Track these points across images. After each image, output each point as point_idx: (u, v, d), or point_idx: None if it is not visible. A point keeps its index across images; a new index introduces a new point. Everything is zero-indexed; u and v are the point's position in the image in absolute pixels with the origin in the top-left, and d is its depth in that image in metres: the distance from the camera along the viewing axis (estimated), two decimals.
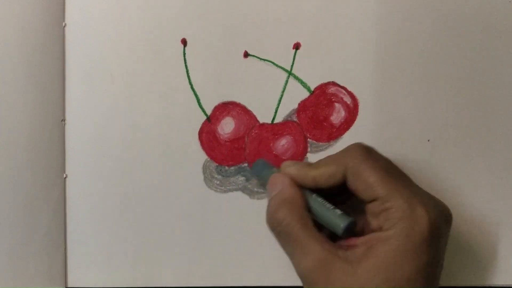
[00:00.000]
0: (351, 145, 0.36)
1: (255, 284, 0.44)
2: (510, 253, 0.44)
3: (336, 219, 0.34)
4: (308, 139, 0.44)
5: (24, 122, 0.42)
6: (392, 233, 0.31)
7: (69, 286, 0.45)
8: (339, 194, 0.36)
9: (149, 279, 0.45)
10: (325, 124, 0.44)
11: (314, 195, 0.36)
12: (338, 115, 0.44)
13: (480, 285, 0.44)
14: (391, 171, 0.34)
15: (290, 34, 0.43)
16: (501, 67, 0.43)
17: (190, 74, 0.44)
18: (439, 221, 0.32)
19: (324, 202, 0.35)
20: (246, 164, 0.44)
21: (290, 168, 0.37)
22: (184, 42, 0.44)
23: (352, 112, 0.44)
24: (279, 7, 0.43)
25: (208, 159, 0.44)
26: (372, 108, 0.44)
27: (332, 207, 0.35)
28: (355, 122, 0.44)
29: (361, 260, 0.32)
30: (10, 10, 0.42)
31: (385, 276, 0.31)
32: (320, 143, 0.44)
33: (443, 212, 0.33)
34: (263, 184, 0.38)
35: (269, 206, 0.36)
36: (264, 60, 0.44)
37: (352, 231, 0.34)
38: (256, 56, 0.44)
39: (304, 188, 0.36)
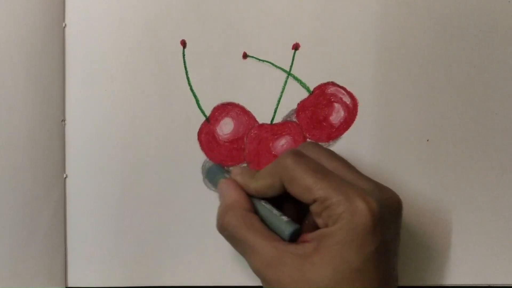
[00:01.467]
0: (281, 153, 0.36)
1: (255, 284, 0.44)
2: (510, 252, 0.44)
3: (282, 225, 0.35)
4: (308, 139, 0.44)
5: (24, 122, 0.43)
6: (336, 228, 0.32)
7: (69, 286, 0.45)
8: (289, 196, 0.36)
9: (149, 279, 0.45)
10: (324, 124, 0.44)
11: (262, 202, 0.37)
12: (337, 115, 0.44)
13: (481, 285, 0.44)
14: (325, 169, 0.34)
15: (289, 34, 0.43)
16: (501, 67, 0.43)
17: (189, 75, 0.44)
18: (381, 210, 0.32)
19: (271, 208, 0.36)
20: (245, 165, 0.44)
21: (236, 177, 0.38)
22: (183, 43, 0.44)
23: (351, 112, 0.44)
24: (278, 8, 0.43)
25: (207, 160, 0.44)
26: (371, 108, 0.44)
27: (278, 213, 0.36)
28: (355, 122, 0.44)
29: (310, 254, 0.32)
30: (10, 10, 0.42)
31: (331, 268, 0.31)
32: (320, 143, 0.44)
33: (387, 200, 0.34)
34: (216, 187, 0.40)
35: (217, 212, 0.37)
36: (263, 60, 0.44)
37: (298, 236, 0.35)
38: (255, 57, 0.44)
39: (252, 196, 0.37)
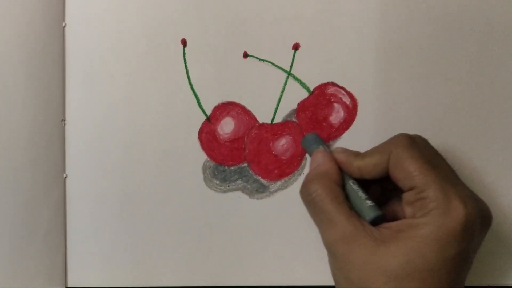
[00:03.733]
0: (396, 135, 0.36)
1: (255, 284, 0.44)
2: (510, 252, 0.44)
3: (366, 209, 0.35)
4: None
5: (24, 122, 0.42)
6: (424, 221, 0.32)
7: (69, 286, 0.45)
8: (378, 182, 0.37)
9: (149, 279, 0.45)
10: (324, 124, 0.44)
11: (351, 181, 0.37)
12: (337, 115, 0.44)
13: (481, 285, 0.44)
14: (435, 162, 0.34)
15: (289, 34, 0.44)
16: (501, 67, 0.43)
17: (190, 74, 0.44)
18: (475, 218, 0.32)
19: (358, 190, 0.36)
20: (246, 164, 0.44)
21: (339, 154, 0.38)
22: (184, 42, 0.44)
23: (351, 112, 0.44)
24: (278, 8, 0.44)
25: (208, 159, 0.44)
26: (371, 108, 0.44)
27: (364, 196, 0.36)
28: (354, 122, 0.44)
29: (386, 240, 0.32)
30: (10, 10, 0.42)
31: (405, 260, 0.31)
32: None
33: (482, 211, 0.33)
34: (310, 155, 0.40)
35: (305, 177, 0.37)
36: (264, 60, 0.44)
37: (379, 224, 0.34)
38: (255, 57, 0.44)
39: (344, 173, 0.37)
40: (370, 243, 0.32)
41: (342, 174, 0.37)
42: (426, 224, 0.31)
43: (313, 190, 0.35)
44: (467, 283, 0.43)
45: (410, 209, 0.33)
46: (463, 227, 0.31)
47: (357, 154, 0.37)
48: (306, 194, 0.36)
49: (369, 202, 0.35)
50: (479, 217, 0.33)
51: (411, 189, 0.33)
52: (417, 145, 0.35)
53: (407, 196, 0.34)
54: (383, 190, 0.38)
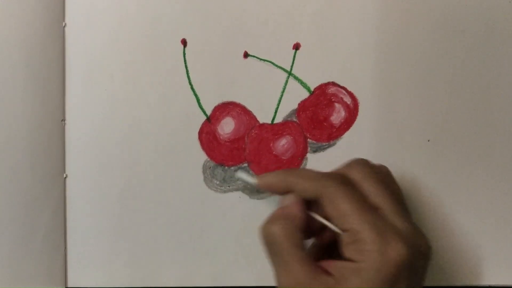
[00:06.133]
0: (331, 173, 0.35)
1: (255, 284, 0.44)
2: (510, 252, 0.44)
3: None
4: (308, 139, 0.44)
5: (24, 122, 0.42)
6: (363, 266, 0.31)
7: (69, 286, 0.45)
8: None
9: (149, 279, 0.45)
10: (325, 124, 0.44)
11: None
12: (338, 115, 0.44)
13: (481, 285, 0.44)
14: (367, 203, 0.34)
15: (289, 34, 0.43)
16: (501, 67, 0.43)
17: (190, 74, 0.44)
18: (414, 255, 0.32)
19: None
20: (246, 164, 0.44)
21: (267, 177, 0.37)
22: (184, 42, 0.44)
23: (352, 112, 0.44)
24: (279, 8, 0.43)
25: (208, 159, 0.44)
26: (372, 108, 0.44)
27: None
28: (355, 122, 0.44)
29: None
30: (10, 10, 0.42)
31: None
32: (320, 143, 0.44)
33: (420, 245, 0.33)
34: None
35: (269, 215, 0.36)
36: (264, 60, 0.44)
37: None
38: (256, 56, 0.44)
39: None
40: None
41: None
42: (366, 269, 0.31)
43: (274, 231, 0.34)
44: (467, 283, 0.44)
45: (347, 251, 0.33)
46: (403, 267, 0.31)
47: (291, 172, 0.36)
48: (266, 234, 0.35)
49: None
50: (417, 253, 0.32)
51: (345, 230, 0.33)
52: (351, 185, 0.34)
53: (343, 237, 0.33)
54: None
